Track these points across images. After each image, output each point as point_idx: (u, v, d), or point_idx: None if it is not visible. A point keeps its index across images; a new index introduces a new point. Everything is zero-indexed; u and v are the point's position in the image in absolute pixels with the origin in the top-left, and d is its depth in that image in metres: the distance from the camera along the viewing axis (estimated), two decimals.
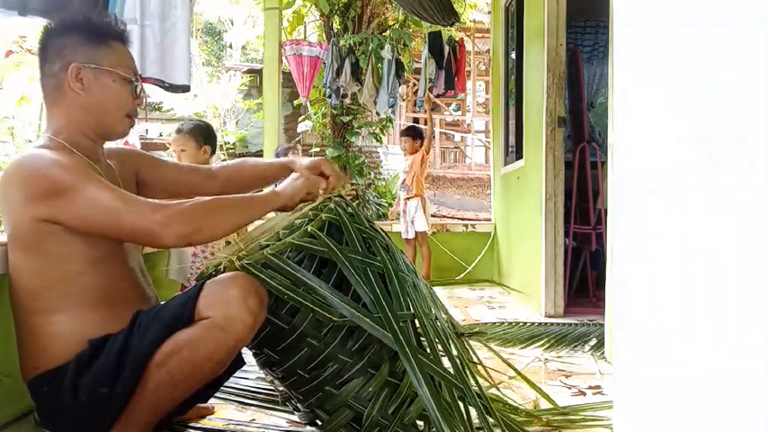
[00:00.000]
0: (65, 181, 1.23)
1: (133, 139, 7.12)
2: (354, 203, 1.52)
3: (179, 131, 2.75)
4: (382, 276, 1.34)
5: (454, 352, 1.38)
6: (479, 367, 1.57)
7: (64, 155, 1.29)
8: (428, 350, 1.33)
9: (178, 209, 1.25)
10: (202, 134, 2.73)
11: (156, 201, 1.28)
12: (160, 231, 1.23)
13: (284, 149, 5.22)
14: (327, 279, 1.32)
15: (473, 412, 1.35)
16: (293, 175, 1.53)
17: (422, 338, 1.36)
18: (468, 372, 1.38)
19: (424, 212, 4.96)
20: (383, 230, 1.47)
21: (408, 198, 5.07)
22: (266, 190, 1.59)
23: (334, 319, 1.27)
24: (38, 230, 1.26)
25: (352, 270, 1.30)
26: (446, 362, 1.36)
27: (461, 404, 1.31)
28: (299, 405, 1.45)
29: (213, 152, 2.80)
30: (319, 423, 1.43)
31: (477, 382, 1.41)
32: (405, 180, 5.21)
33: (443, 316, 1.47)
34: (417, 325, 1.37)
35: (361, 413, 1.32)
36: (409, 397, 1.34)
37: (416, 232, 4.99)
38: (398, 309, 1.30)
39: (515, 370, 1.84)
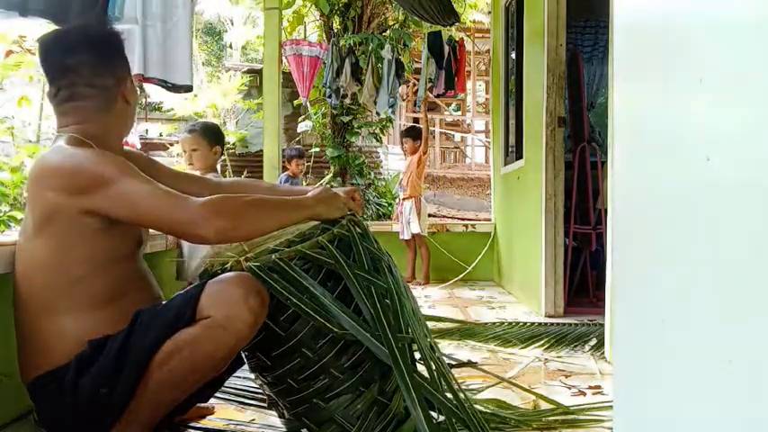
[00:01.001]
0: (109, 172, 1.27)
1: (133, 139, 7.14)
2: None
3: (191, 131, 2.79)
4: (384, 297, 1.34)
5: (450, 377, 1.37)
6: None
7: (103, 151, 1.34)
8: (424, 372, 1.33)
9: (220, 204, 1.28)
10: (214, 134, 2.78)
11: (194, 198, 1.30)
12: (201, 224, 1.25)
13: (289, 156, 5.21)
14: (331, 292, 1.32)
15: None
16: (322, 189, 1.51)
17: (417, 362, 1.36)
18: (460, 393, 1.38)
19: (418, 214, 4.97)
20: (389, 253, 1.48)
21: (404, 199, 5.08)
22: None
23: (334, 329, 1.27)
24: (75, 225, 1.28)
25: (357, 285, 1.31)
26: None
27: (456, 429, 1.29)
28: (285, 412, 1.45)
29: (222, 153, 2.83)
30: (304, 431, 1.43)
31: (473, 407, 1.41)
32: (401, 180, 5.23)
33: (436, 347, 1.48)
34: (414, 348, 1.38)
35: (347, 429, 1.32)
36: (397, 418, 1.34)
37: (412, 233, 5.00)
38: (397, 329, 1.31)
39: (507, 381, 1.83)
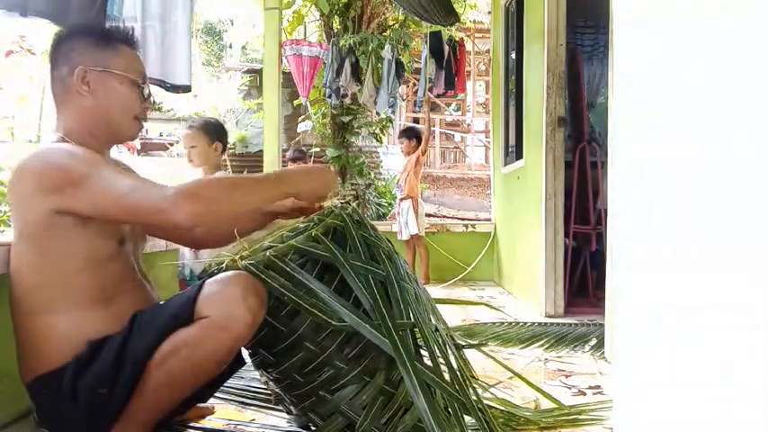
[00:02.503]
0: (79, 169, 1.24)
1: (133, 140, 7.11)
2: (354, 203, 1.52)
3: (190, 127, 2.71)
4: (384, 285, 1.33)
5: (454, 363, 1.37)
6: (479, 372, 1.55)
7: (75, 146, 1.31)
8: (427, 360, 1.32)
9: (190, 188, 1.24)
10: (214, 130, 2.70)
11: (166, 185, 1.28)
12: (172, 211, 1.20)
13: (291, 158, 5.19)
14: (329, 284, 1.32)
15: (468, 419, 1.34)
16: (314, 166, 1.49)
17: (421, 348, 1.36)
18: (467, 383, 1.37)
19: (416, 214, 4.96)
20: (388, 239, 1.46)
21: (402, 199, 5.08)
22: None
23: (333, 323, 1.27)
24: (49, 224, 1.27)
25: (354, 276, 1.30)
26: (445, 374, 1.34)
27: (460, 415, 1.29)
28: (291, 408, 1.45)
29: (225, 149, 2.76)
30: (312, 427, 1.43)
31: (477, 393, 1.41)
32: (399, 180, 5.23)
33: (443, 327, 1.47)
34: (417, 335, 1.37)
35: (354, 420, 1.31)
36: (404, 407, 1.33)
37: (410, 234, 5.00)
38: (398, 317, 1.29)
39: (514, 373, 1.83)
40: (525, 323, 3.11)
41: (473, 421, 1.32)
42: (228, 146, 2.87)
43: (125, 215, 1.28)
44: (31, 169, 1.28)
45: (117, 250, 1.38)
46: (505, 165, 4.92)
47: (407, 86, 11.17)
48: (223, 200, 1.27)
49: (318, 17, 7.80)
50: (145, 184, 1.26)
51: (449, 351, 1.39)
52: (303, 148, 5.91)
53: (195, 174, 2.63)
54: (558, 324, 3.08)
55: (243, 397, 1.88)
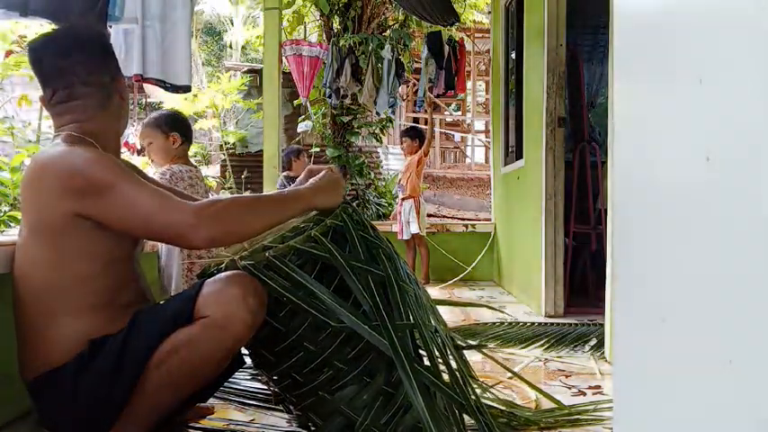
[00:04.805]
0: (104, 179, 1.25)
1: (133, 139, 7.11)
2: (354, 203, 1.51)
3: (144, 125, 2.56)
4: (383, 285, 1.33)
5: (453, 364, 1.37)
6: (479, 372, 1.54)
7: (100, 153, 1.32)
8: (426, 361, 1.32)
9: (210, 212, 1.26)
10: (167, 122, 2.52)
11: (188, 202, 1.28)
12: (191, 234, 1.24)
13: (294, 151, 5.14)
14: (329, 285, 1.31)
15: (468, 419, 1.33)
16: (322, 174, 1.46)
17: (420, 350, 1.36)
18: (467, 384, 1.37)
19: (418, 214, 4.96)
20: (388, 239, 1.46)
21: (403, 199, 5.08)
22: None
23: (332, 324, 1.27)
24: (67, 224, 1.27)
25: (353, 277, 1.30)
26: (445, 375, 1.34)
27: (459, 416, 1.29)
28: (291, 407, 1.45)
29: (186, 141, 2.58)
30: (312, 427, 1.43)
31: (476, 394, 1.40)
32: (400, 180, 5.23)
33: (442, 328, 1.46)
34: (417, 336, 1.37)
35: (353, 421, 1.31)
36: (403, 407, 1.33)
37: (411, 234, 5.00)
38: (398, 318, 1.29)
39: (514, 373, 1.83)
40: (525, 323, 3.11)
41: (473, 421, 1.32)
42: (191, 137, 2.63)
43: (144, 233, 1.34)
44: (52, 170, 1.28)
45: (130, 251, 1.40)
46: (505, 165, 4.92)
47: (407, 86, 11.17)
48: (241, 224, 1.30)
49: (318, 17, 7.81)
50: (165, 202, 1.26)
51: (448, 352, 1.39)
52: (295, 146, 5.86)
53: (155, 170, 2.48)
54: (558, 324, 3.08)
55: (243, 397, 1.88)
